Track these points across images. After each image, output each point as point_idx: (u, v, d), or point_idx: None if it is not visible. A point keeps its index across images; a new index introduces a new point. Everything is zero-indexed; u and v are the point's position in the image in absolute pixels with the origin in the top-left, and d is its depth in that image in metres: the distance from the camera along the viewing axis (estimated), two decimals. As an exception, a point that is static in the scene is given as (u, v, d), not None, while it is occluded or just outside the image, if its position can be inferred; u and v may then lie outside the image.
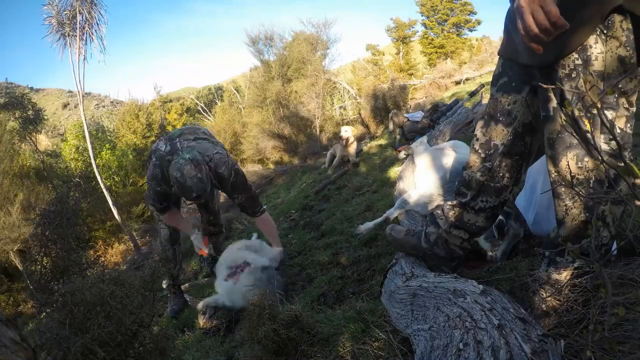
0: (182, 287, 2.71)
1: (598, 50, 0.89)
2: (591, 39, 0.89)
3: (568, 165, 0.97)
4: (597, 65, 0.90)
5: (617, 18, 0.87)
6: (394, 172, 3.49)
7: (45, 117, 12.76)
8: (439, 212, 1.33)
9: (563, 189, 1.01)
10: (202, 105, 19.17)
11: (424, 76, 13.02)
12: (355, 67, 15.04)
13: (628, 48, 0.88)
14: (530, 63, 1.04)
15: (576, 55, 0.91)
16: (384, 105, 8.44)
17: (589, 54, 0.90)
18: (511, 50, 1.09)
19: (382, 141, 5.82)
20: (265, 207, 2.47)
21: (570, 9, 0.85)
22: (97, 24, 8.74)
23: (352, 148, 4.93)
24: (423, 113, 4.52)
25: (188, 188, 1.97)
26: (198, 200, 2.17)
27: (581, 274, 0.98)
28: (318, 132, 9.81)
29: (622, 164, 0.58)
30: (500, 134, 1.14)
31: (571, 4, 0.86)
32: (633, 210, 0.65)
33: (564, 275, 1.01)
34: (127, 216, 10.44)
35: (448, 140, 3.41)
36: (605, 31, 0.88)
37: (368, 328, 1.32)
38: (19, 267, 7.85)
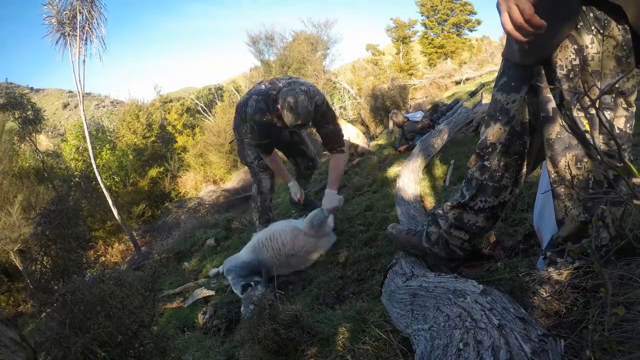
0: (182, 286, 2.71)
1: (594, 50, 0.89)
2: (587, 39, 0.89)
3: (567, 165, 0.98)
4: (593, 66, 0.90)
5: (613, 17, 0.87)
6: (393, 171, 3.49)
7: (45, 117, 12.75)
8: (441, 211, 1.33)
9: (563, 190, 1.02)
10: (202, 105, 19.13)
11: (424, 76, 13.02)
12: (355, 67, 15.04)
13: (625, 47, 0.88)
14: (522, 62, 1.04)
15: (573, 56, 0.91)
16: (384, 105, 8.44)
17: (585, 54, 0.90)
18: (509, 51, 1.09)
19: (382, 141, 5.81)
20: (344, 148, 2.58)
21: (548, 9, 0.85)
22: (97, 23, 8.75)
23: (361, 141, 5.11)
24: (423, 113, 4.52)
25: (297, 115, 2.21)
26: (298, 128, 2.42)
27: (581, 275, 0.98)
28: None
29: (621, 164, 0.58)
30: (497, 133, 1.14)
31: (548, 4, 0.87)
32: (633, 210, 0.65)
33: (564, 276, 1.01)
34: (127, 216, 10.44)
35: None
36: (602, 31, 0.88)
37: (368, 328, 1.32)
38: (19, 267, 7.85)
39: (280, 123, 2.42)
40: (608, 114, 0.92)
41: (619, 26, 0.87)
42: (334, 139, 2.50)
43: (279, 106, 2.31)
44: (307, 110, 2.23)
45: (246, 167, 3.13)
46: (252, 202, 2.95)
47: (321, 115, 2.43)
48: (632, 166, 0.55)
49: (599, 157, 0.72)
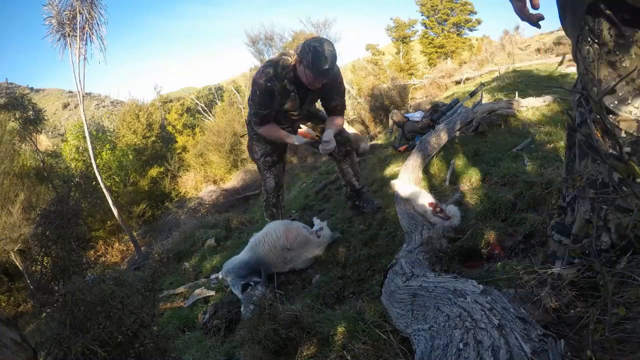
0: (182, 286, 2.71)
1: (590, 59, 0.94)
2: (585, 51, 0.95)
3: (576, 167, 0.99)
4: (592, 72, 0.93)
5: (605, 25, 0.90)
6: (393, 171, 3.49)
7: (46, 118, 12.76)
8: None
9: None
10: (202, 105, 19.15)
11: (424, 76, 13.01)
12: (355, 67, 15.04)
13: (617, 52, 0.90)
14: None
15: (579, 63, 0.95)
16: (384, 105, 8.44)
17: (586, 62, 0.95)
18: None
19: (381, 141, 5.82)
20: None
21: None
22: (97, 24, 8.76)
23: None
24: (423, 113, 4.51)
25: (323, 57, 2.06)
26: (324, 76, 2.16)
27: (581, 274, 0.98)
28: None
29: (623, 165, 0.58)
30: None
31: None
32: (635, 210, 0.65)
33: (564, 275, 1.01)
34: (127, 216, 10.44)
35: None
36: (597, 40, 0.92)
37: (368, 328, 1.32)
38: (20, 267, 7.86)
39: (292, 87, 2.29)
40: (611, 117, 0.94)
41: (611, 32, 0.89)
42: (341, 110, 2.51)
43: (295, 62, 2.18)
44: (333, 55, 2.10)
45: (246, 167, 3.11)
46: (261, 197, 3.15)
47: (339, 83, 2.39)
48: (636, 167, 0.55)
49: (604, 159, 0.73)
